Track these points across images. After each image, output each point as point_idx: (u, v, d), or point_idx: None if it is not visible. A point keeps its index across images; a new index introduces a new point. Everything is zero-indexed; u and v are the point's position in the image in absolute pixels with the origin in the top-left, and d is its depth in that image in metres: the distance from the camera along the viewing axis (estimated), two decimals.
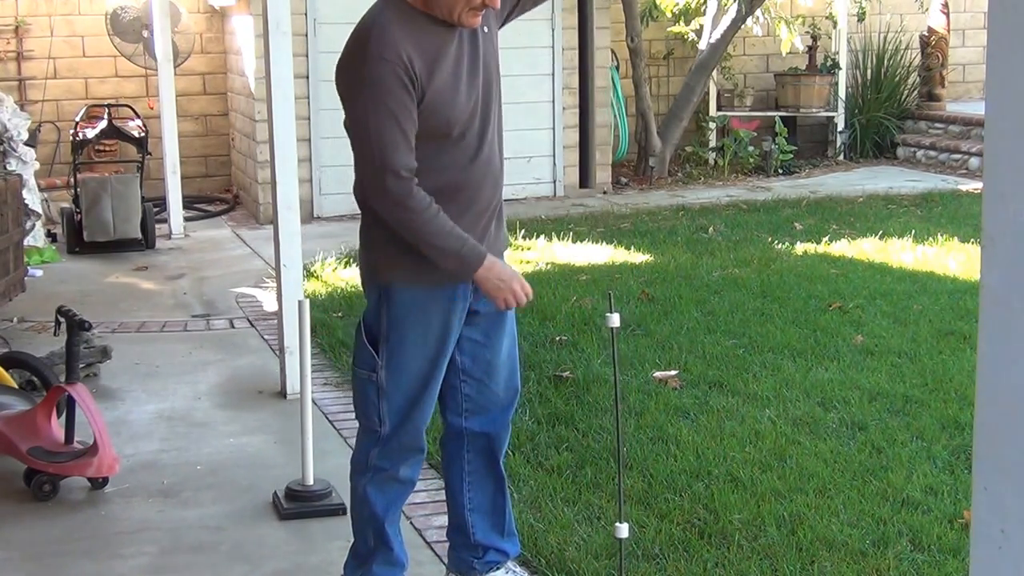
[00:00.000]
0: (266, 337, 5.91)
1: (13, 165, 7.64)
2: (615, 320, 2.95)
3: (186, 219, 8.92)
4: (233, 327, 6.22)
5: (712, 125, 11.26)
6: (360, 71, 2.73)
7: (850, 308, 5.94)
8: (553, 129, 9.89)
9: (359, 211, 2.96)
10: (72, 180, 8.40)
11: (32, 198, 7.78)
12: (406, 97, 2.70)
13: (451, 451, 3.17)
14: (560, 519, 3.64)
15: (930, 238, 7.56)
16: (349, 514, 3.15)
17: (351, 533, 3.15)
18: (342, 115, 2.88)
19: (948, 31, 11.58)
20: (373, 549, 3.08)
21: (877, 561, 3.36)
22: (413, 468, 3.06)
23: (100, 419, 4.04)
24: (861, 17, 11.25)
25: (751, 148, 10.81)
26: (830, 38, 11.64)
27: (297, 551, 3.60)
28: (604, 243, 7.70)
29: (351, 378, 3.06)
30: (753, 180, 10.62)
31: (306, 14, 8.97)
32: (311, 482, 3.89)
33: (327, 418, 4.69)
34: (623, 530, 3.02)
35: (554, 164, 9.98)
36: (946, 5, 11.47)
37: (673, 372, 5.00)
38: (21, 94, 9.72)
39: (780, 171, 10.80)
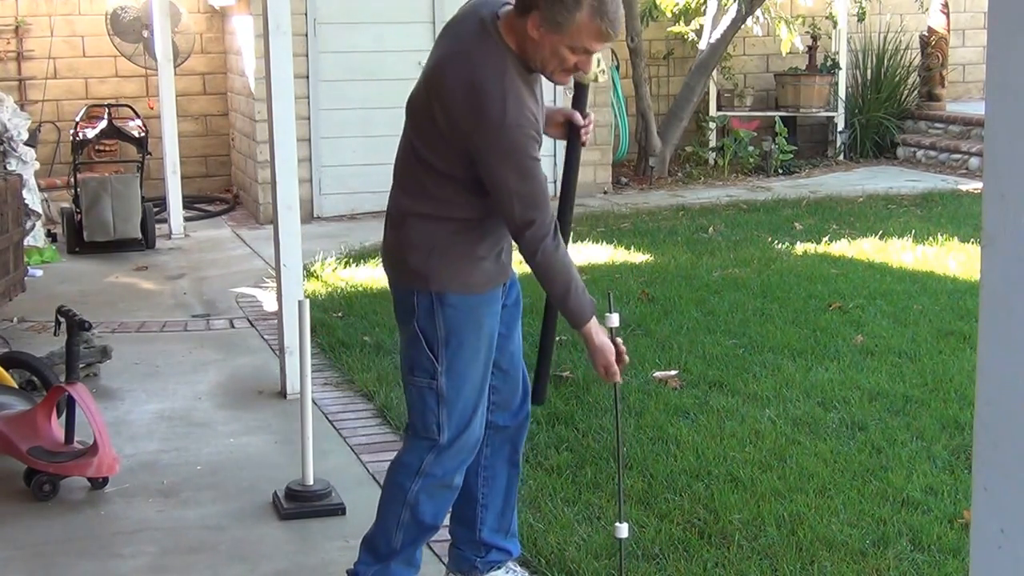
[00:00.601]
0: (266, 337, 5.91)
1: (13, 165, 7.64)
2: (615, 320, 2.98)
3: (186, 219, 8.92)
4: (233, 327, 6.22)
5: (712, 125, 11.25)
6: (498, 136, 2.77)
7: (850, 308, 5.94)
8: None
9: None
10: (72, 180, 8.40)
11: (32, 198, 7.78)
12: (537, 152, 2.81)
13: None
14: (560, 519, 3.64)
15: (930, 238, 7.56)
16: (379, 511, 3.10)
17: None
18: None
19: (948, 31, 11.58)
20: (397, 550, 3.07)
21: (877, 561, 3.36)
22: (462, 473, 3.07)
23: (100, 419, 4.04)
24: (861, 17, 11.25)
25: (751, 148, 10.81)
26: (830, 38, 11.64)
27: (297, 551, 3.60)
28: (604, 243, 7.70)
29: (404, 388, 3.05)
30: (753, 180, 10.62)
31: (306, 14, 8.97)
32: (311, 482, 3.89)
33: (327, 418, 4.69)
34: (623, 530, 3.03)
35: (554, 164, 9.98)
36: (946, 5, 11.46)
37: (673, 372, 5.00)
38: (21, 94, 9.72)
39: (780, 171, 10.79)
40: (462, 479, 3.08)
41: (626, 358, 3.00)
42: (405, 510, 3.03)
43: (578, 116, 3.04)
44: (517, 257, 3.09)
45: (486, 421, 3.13)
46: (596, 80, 3.00)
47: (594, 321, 2.94)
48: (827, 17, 11.54)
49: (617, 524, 3.04)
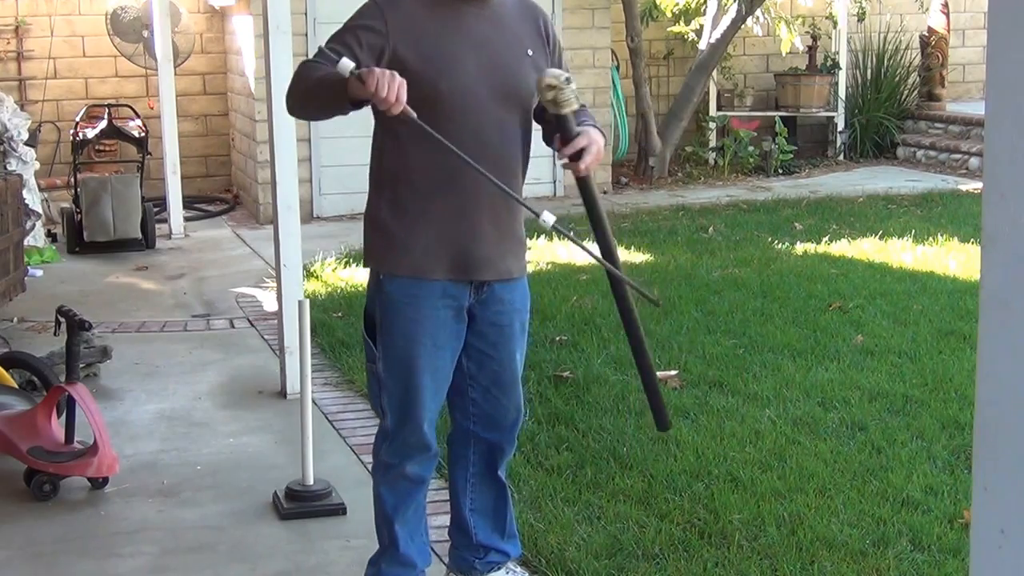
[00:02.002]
0: (266, 337, 5.91)
1: (13, 165, 7.64)
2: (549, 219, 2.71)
3: (186, 219, 8.92)
4: (233, 327, 6.22)
5: (712, 125, 11.25)
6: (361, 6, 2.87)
7: (850, 308, 5.94)
8: None
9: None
10: (72, 180, 8.40)
11: (32, 198, 7.78)
12: (367, 37, 2.77)
13: (457, 451, 3.14)
14: (560, 519, 3.64)
15: (930, 238, 7.56)
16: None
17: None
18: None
19: (948, 31, 11.58)
20: (386, 547, 3.07)
21: (877, 561, 3.36)
22: (422, 466, 3.02)
23: (100, 419, 4.04)
24: (861, 17, 11.25)
25: (751, 148, 10.81)
26: (830, 38, 11.64)
27: (297, 551, 3.60)
28: None
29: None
30: (753, 180, 10.62)
31: (306, 14, 8.97)
32: (311, 482, 3.89)
33: (327, 418, 4.69)
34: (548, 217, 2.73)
35: (554, 164, 9.97)
36: (946, 5, 11.46)
37: (673, 372, 4.99)
38: (21, 94, 9.72)
39: (780, 171, 10.80)
40: (425, 472, 3.03)
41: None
42: (377, 504, 3.06)
43: (560, 144, 2.81)
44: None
45: (467, 429, 3.07)
46: (571, 107, 2.74)
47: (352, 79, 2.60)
48: (827, 17, 11.54)
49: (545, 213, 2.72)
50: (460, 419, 3.09)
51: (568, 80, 2.72)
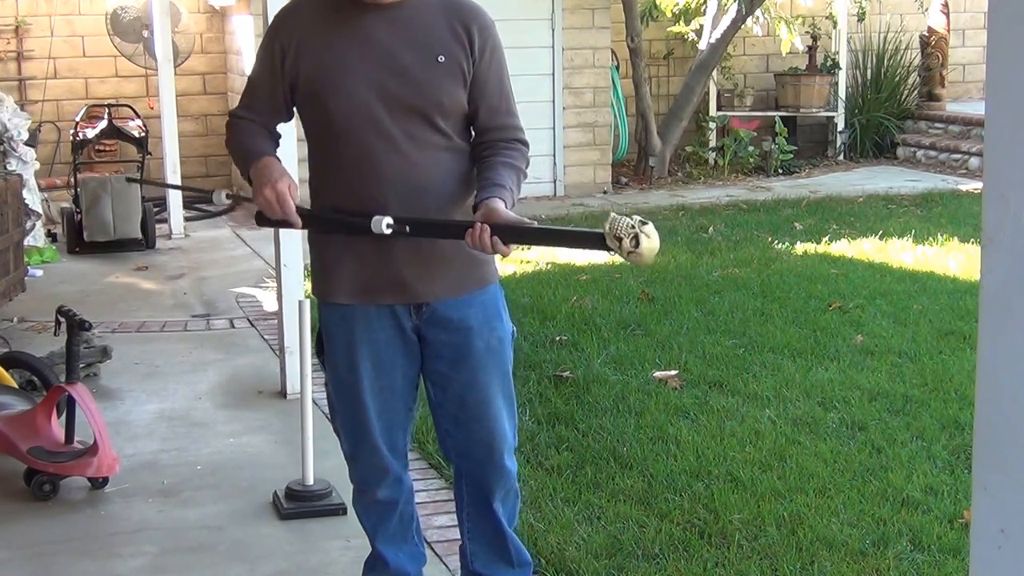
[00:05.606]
0: (266, 337, 5.91)
1: (13, 165, 7.64)
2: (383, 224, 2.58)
3: (186, 219, 8.92)
4: (233, 327, 6.22)
5: (712, 125, 11.25)
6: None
7: (850, 308, 5.94)
8: (553, 129, 9.90)
9: None
10: (72, 180, 8.40)
11: (32, 198, 7.78)
12: (269, 63, 2.74)
13: (454, 479, 3.07)
14: (560, 519, 3.64)
15: (930, 238, 7.56)
16: None
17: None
18: None
19: (948, 31, 11.58)
20: (377, 558, 3.05)
21: (877, 561, 3.36)
22: (392, 489, 2.92)
23: (100, 419, 4.04)
24: (861, 17, 11.25)
25: (751, 148, 10.81)
26: (830, 38, 11.64)
27: (297, 551, 3.60)
28: None
29: None
30: (753, 180, 10.62)
31: None
32: (311, 482, 3.89)
33: (327, 418, 4.68)
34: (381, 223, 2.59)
35: (554, 164, 9.99)
36: (946, 5, 11.47)
37: (673, 372, 5.00)
38: (21, 94, 9.72)
39: (780, 171, 10.80)
40: (395, 495, 2.93)
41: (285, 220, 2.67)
42: (359, 521, 3.04)
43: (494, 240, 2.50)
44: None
45: (453, 461, 2.97)
46: (626, 256, 2.50)
47: (255, 169, 2.69)
48: (827, 17, 11.54)
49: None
50: (446, 451, 2.99)
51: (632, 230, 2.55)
